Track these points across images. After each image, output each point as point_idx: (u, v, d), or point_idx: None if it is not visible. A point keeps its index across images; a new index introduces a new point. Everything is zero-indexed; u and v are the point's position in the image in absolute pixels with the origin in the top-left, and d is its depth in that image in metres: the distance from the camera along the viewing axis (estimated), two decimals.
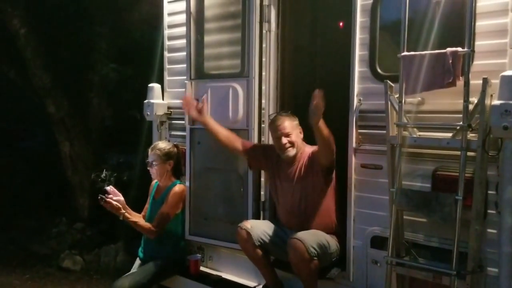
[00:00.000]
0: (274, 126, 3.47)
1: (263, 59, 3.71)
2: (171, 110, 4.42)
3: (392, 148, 2.97)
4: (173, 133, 4.43)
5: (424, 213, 2.86)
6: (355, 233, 3.31)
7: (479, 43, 2.74)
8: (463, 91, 2.72)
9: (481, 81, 2.65)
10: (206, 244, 4.13)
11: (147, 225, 3.92)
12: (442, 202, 2.73)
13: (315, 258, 3.17)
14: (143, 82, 4.63)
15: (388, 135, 2.98)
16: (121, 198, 3.84)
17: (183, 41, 4.13)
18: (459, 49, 2.68)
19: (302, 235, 3.19)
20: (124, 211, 3.82)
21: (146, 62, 5.11)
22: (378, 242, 3.22)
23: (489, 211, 2.75)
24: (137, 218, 3.95)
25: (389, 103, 2.96)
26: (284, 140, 3.41)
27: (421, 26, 2.90)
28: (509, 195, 2.63)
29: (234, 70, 3.79)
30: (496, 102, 2.61)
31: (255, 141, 3.70)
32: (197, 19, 3.94)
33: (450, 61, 2.66)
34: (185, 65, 4.10)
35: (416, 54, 2.83)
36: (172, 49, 4.38)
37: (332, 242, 3.34)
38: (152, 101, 4.38)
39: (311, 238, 3.21)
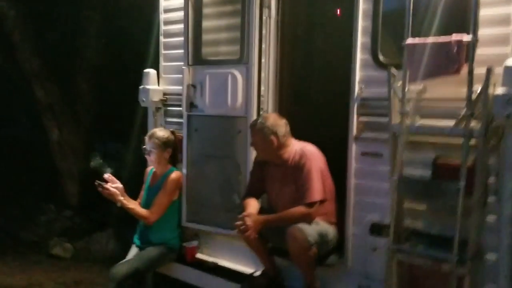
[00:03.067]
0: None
1: (263, 46, 3.67)
2: (167, 96, 4.38)
3: (394, 136, 2.97)
4: (169, 119, 4.38)
5: (426, 202, 2.88)
6: (354, 220, 3.33)
7: (482, 31, 2.74)
8: (464, 79, 2.73)
9: (483, 70, 2.66)
10: (202, 231, 4.11)
11: (145, 211, 3.91)
12: (444, 190, 2.75)
13: (314, 246, 3.18)
14: (136, 67, 4.55)
15: (390, 123, 2.98)
16: (120, 185, 3.83)
17: (180, 26, 4.08)
18: (464, 37, 2.68)
19: (302, 224, 3.19)
20: (122, 198, 3.80)
21: (140, 47, 5.02)
22: (376, 229, 3.23)
23: (488, 199, 2.79)
24: (134, 205, 3.93)
25: (391, 91, 2.96)
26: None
27: (424, 13, 2.89)
28: (510, 183, 2.66)
29: (233, 57, 3.76)
30: (499, 91, 2.63)
31: None
32: (195, 4, 3.88)
33: (455, 50, 2.66)
34: (181, 51, 4.06)
35: (420, 42, 2.82)
36: (168, 34, 4.32)
37: (330, 230, 3.35)
38: (147, 87, 4.33)
39: (310, 226, 3.21)
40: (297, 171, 3.31)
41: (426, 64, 2.79)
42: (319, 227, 3.26)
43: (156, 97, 4.34)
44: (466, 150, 2.70)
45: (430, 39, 2.79)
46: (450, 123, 2.83)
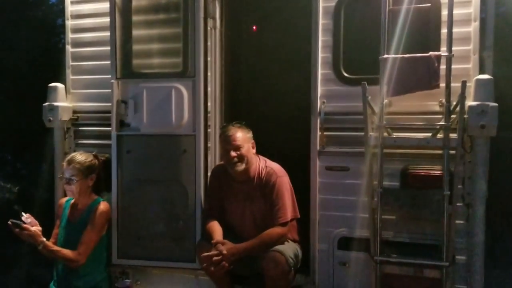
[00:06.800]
0: (224, 137, 3.18)
1: (208, 58, 3.40)
2: (77, 114, 3.77)
3: (371, 149, 3.00)
4: (81, 141, 3.79)
5: (412, 210, 2.96)
6: (320, 236, 3.27)
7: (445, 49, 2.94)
8: (429, 94, 2.91)
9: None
10: (131, 267, 3.60)
11: (72, 253, 3.26)
12: (430, 199, 2.87)
13: (293, 268, 3.04)
14: (35, 81, 3.83)
15: (366, 136, 3.00)
16: (39, 227, 3.17)
17: (93, 34, 3.69)
18: (442, 53, 2.84)
19: (279, 247, 3.02)
20: (44, 239, 3.15)
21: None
22: (345, 244, 3.23)
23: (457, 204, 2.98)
24: (57, 246, 3.27)
25: (367, 105, 2.98)
26: (233, 153, 3.13)
27: (392, 31, 2.97)
28: (482, 189, 2.90)
29: (175, 69, 3.40)
30: (472, 103, 2.85)
31: (201, 147, 3.36)
32: (124, 10, 3.42)
33: (436, 64, 2.80)
34: (94, 62, 3.69)
35: (397, 57, 2.90)
36: (77, 44, 3.76)
37: (298, 248, 3.22)
38: (55, 104, 3.69)
39: (287, 248, 3.06)
40: (266, 189, 3.12)
41: (405, 79, 2.88)
42: (292, 247, 3.12)
43: (66, 116, 3.71)
44: (447, 160, 2.85)
45: (409, 54, 2.88)
46: (420, 135, 2.99)
